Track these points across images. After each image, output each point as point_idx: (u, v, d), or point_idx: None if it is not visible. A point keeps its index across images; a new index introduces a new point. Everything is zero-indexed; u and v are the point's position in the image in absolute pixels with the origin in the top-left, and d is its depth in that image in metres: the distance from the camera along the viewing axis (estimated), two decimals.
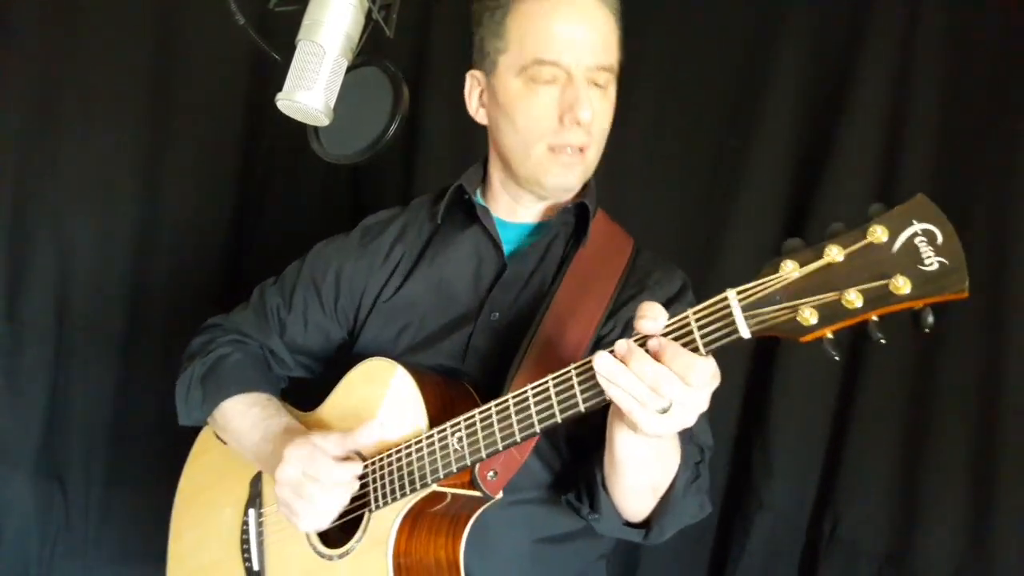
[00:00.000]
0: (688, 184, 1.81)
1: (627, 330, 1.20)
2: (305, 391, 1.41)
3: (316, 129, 1.22)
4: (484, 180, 1.34)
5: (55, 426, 2.00)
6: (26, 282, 1.97)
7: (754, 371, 1.74)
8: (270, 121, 1.99)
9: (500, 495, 1.12)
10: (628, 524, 1.15)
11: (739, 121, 1.75)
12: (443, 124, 1.95)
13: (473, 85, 1.28)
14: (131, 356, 2.01)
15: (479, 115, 1.29)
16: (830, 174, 1.64)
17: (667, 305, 1.20)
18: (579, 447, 1.18)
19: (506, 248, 1.28)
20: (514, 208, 1.30)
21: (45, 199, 1.96)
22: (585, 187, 1.29)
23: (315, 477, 1.11)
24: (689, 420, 0.90)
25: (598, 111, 1.19)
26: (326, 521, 1.14)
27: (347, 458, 1.15)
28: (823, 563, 1.65)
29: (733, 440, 1.77)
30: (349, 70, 1.15)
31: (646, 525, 1.14)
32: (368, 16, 1.15)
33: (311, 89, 1.10)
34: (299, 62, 1.11)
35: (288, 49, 1.13)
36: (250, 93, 2.01)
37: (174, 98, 2.00)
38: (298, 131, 1.22)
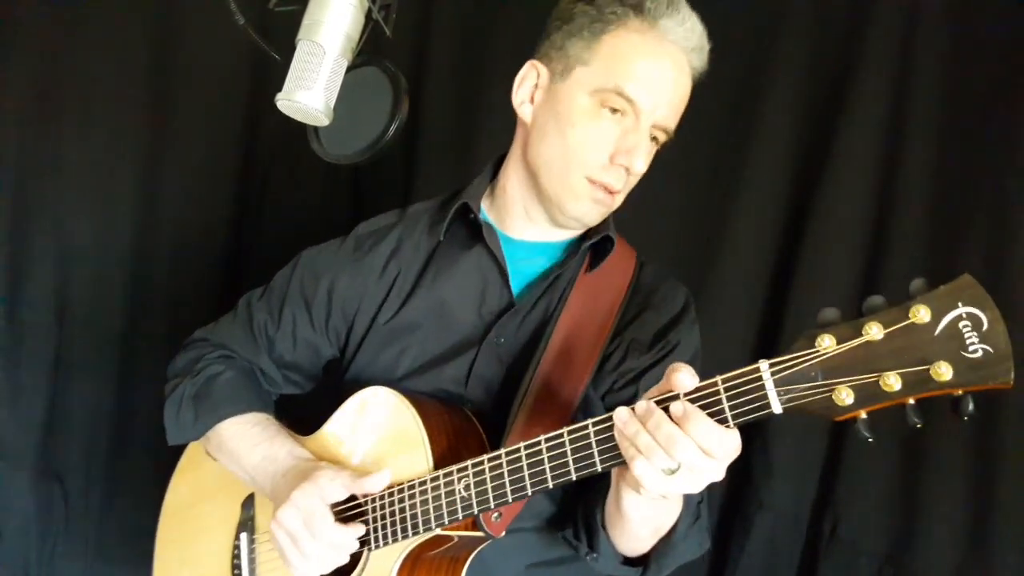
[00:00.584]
0: (688, 184, 1.81)
1: (629, 353, 1.19)
2: (296, 406, 1.40)
3: (316, 129, 1.22)
4: (492, 185, 1.29)
5: (55, 426, 2.00)
6: (26, 282, 1.97)
7: None
8: (270, 121, 1.99)
9: (503, 534, 1.10)
10: (625, 561, 1.13)
11: (739, 121, 1.75)
12: (443, 124, 1.95)
13: (531, 77, 1.20)
14: (131, 356, 2.01)
15: (523, 109, 1.21)
16: (830, 174, 1.64)
17: (671, 326, 1.21)
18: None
19: (511, 267, 1.23)
20: (524, 223, 1.26)
21: (45, 199, 1.96)
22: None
23: (315, 535, 1.08)
24: (696, 487, 0.88)
25: (644, 167, 1.18)
26: (314, 575, 1.11)
27: (352, 509, 1.12)
28: (823, 563, 1.65)
29: None
30: (349, 70, 1.15)
31: (643, 562, 1.12)
32: (368, 16, 1.15)
33: (311, 89, 1.10)
34: (299, 62, 1.11)
35: (288, 49, 1.13)
36: (250, 93, 2.01)
37: (174, 98, 1.99)
38: (298, 131, 1.22)
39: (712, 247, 1.75)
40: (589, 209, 1.18)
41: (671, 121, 1.18)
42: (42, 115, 1.94)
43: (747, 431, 1.72)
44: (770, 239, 1.72)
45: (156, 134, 1.99)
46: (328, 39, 1.10)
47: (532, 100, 1.21)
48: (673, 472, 0.86)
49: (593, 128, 1.13)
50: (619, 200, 1.21)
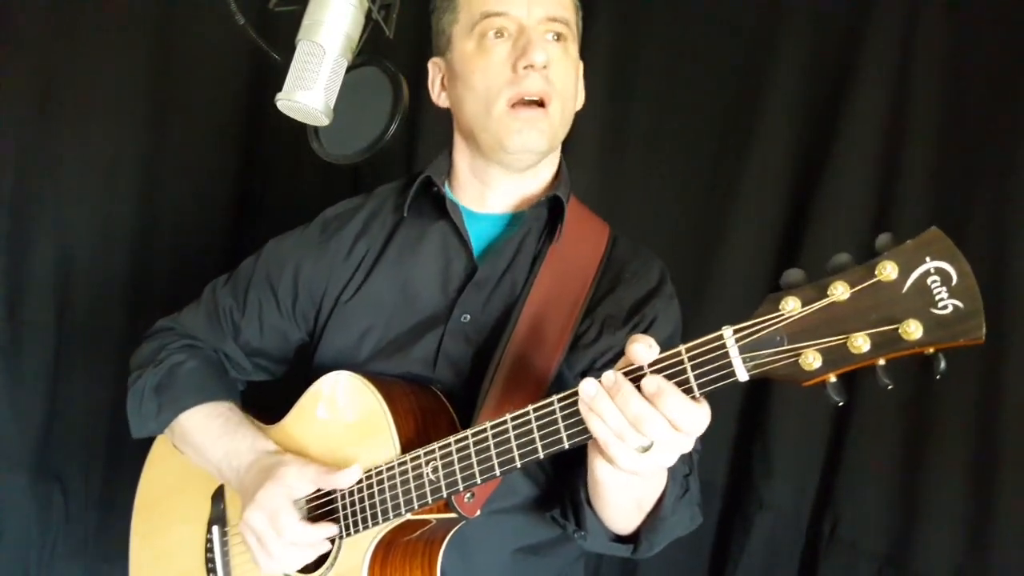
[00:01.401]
0: (688, 185, 1.81)
1: (604, 329, 1.17)
2: (266, 392, 1.39)
3: (316, 129, 1.22)
4: (450, 170, 1.29)
5: (55, 426, 2.00)
6: (26, 282, 1.97)
7: None
8: (270, 121, 1.99)
9: (478, 513, 1.08)
10: (616, 539, 1.12)
11: (739, 121, 1.75)
12: (443, 124, 1.94)
13: (435, 73, 1.27)
14: (130, 356, 2.00)
15: (441, 99, 1.27)
16: (830, 174, 1.64)
17: (646, 299, 1.19)
18: (560, 459, 1.13)
19: (475, 243, 1.22)
20: (483, 195, 1.25)
21: (45, 199, 1.96)
22: (557, 177, 1.26)
23: (282, 534, 1.08)
24: (669, 461, 0.87)
25: (558, 63, 1.17)
26: (282, 573, 1.11)
27: (322, 498, 1.12)
28: (823, 563, 1.65)
29: (733, 440, 1.77)
30: (349, 70, 1.14)
31: (634, 539, 1.11)
32: (368, 16, 1.15)
33: (311, 89, 1.10)
34: (299, 62, 1.11)
35: (288, 49, 1.13)
36: (250, 93, 2.01)
37: (174, 98, 1.99)
38: (298, 131, 1.22)
39: (712, 247, 1.75)
40: (524, 131, 1.16)
41: (556, 10, 1.17)
42: (42, 115, 1.94)
43: (748, 432, 1.74)
44: (770, 239, 1.72)
45: (156, 134, 1.99)
46: (328, 39, 1.10)
47: (444, 88, 1.27)
48: (646, 450, 0.85)
49: (487, 59, 1.16)
50: (556, 115, 1.18)
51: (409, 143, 1.96)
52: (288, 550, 1.09)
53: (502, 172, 1.23)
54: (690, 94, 1.81)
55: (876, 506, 1.60)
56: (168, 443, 1.37)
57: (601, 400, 0.85)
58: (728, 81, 1.77)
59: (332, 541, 1.12)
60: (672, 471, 1.05)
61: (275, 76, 1.15)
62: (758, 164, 1.73)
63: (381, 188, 1.36)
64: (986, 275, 1.48)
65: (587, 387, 0.86)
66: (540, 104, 1.16)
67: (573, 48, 1.21)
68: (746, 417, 1.75)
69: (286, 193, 2.05)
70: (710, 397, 0.86)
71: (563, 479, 1.15)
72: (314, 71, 1.10)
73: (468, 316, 1.19)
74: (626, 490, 1.02)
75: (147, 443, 1.98)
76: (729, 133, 1.77)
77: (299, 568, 1.11)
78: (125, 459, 2.02)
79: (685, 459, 1.10)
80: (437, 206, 1.25)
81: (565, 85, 1.19)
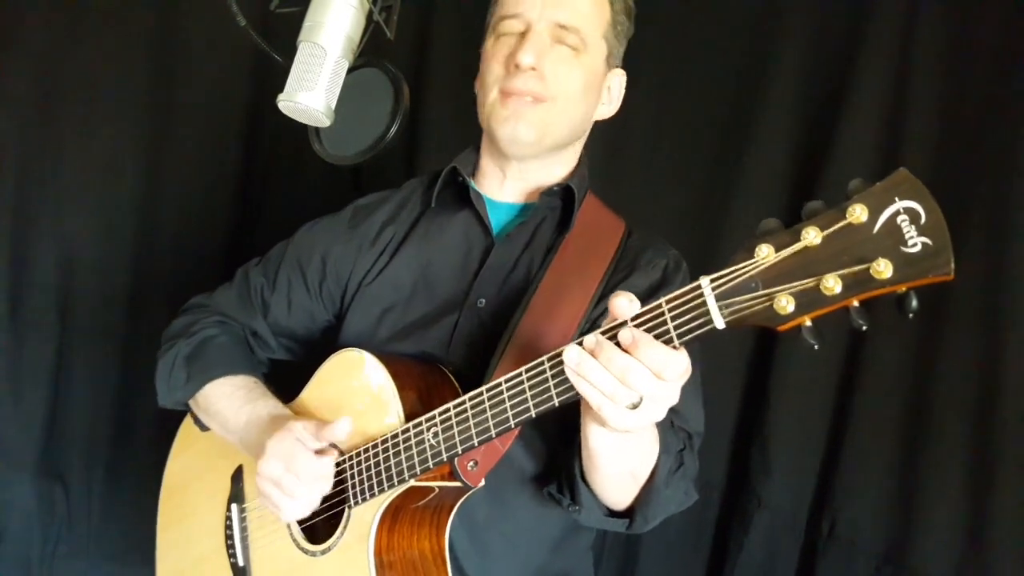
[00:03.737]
0: (688, 183, 1.81)
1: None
2: (291, 375, 1.39)
3: (317, 130, 1.23)
4: (477, 162, 1.33)
5: (57, 426, 2.00)
6: (27, 282, 1.97)
7: (753, 370, 1.75)
8: (271, 122, 1.99)
9: (482, 483, 1.11)
10: (611, 514, 1.14)
11: (739, 120, 1.75)
12: (444, 125, 1.95)
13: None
14: (132, 356, 2.01)
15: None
16: (830, 174, 1.65)
17: (659, 286, 1.22)
18: (558, 434, 1.16)
19: (495, 227, 1.27)
20: (501, 182, 1.30)
21: (45, 199, 1.96)
22: (574, 170, 1.29)
23: (296, 473, 1.11)
24: (659, 415, 0.89)
25: (558, 65, 1.19)
26: (306, 512, 1.14)
27: (324, 450, 1.15)
28: (822, 562, 1.66)
29: (732, 439, 1.77)
30: (350, 71, 1.15)
31: (629, 514, 1.13)
32: (369, 18, 1.15)
33: (312, 90, 1.10)
34: (300, 63, 1.11)
35: (289, 51, 1.14)
36: (251, 94, 2.01)
37: (174, 98, 2.00)
38: (299, 132, 1.22)
39: (712, 247, 1.75)
40: (508, 120, 1.20)
41: (565, 16, 1.20)
42: (44, 115, 1.95)
43: (747, 431, 1.75)
44: None
45: (157, 135, 2.00)
46: (329, 40, 1.11)
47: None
48: (636, 406, 0.86)
49: (495, 55, 1.23)
50: (553, 114, 1.21)
51: (410, 144, 1.96)
52: (306, 487, 1.11)
53: (513, 161, 1.27)
54: (691, 93, 1.81)
55: (874, 505, 1.60)
56: (193, 430, 1.40)
57: (586, 362, 0.86)
58: (728, 80, 1.78)
59: (343, 502, 1.15)
60: (665, 444, 1.07)
61: (276, 77, 1.15)
62: (758, 164, 1.73)
63: (410, 181, 1.40)
64: (986, 275, 1.50)
65: (570, 353, 0.88)
66: (536, 100, 1.20)
67: (588, 58, 1.23)
68: (745, 417, 1.75)
69: (287, 194, 2.05)
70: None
71: (560, 454, 1.17)
72: (315, 72, 1.10)
73: (484, 300, 1.22)
74: (620, 458, 1.04)
75: (150, 442, 2.00)
76: (729, 132, 1.77)
77: (319, 503, 1.14)
78: (127, 458, 2.03)
79: (681, 435, 1.14)
80: (461, 196, 1.29)
81: (566, 88, 1.21)
